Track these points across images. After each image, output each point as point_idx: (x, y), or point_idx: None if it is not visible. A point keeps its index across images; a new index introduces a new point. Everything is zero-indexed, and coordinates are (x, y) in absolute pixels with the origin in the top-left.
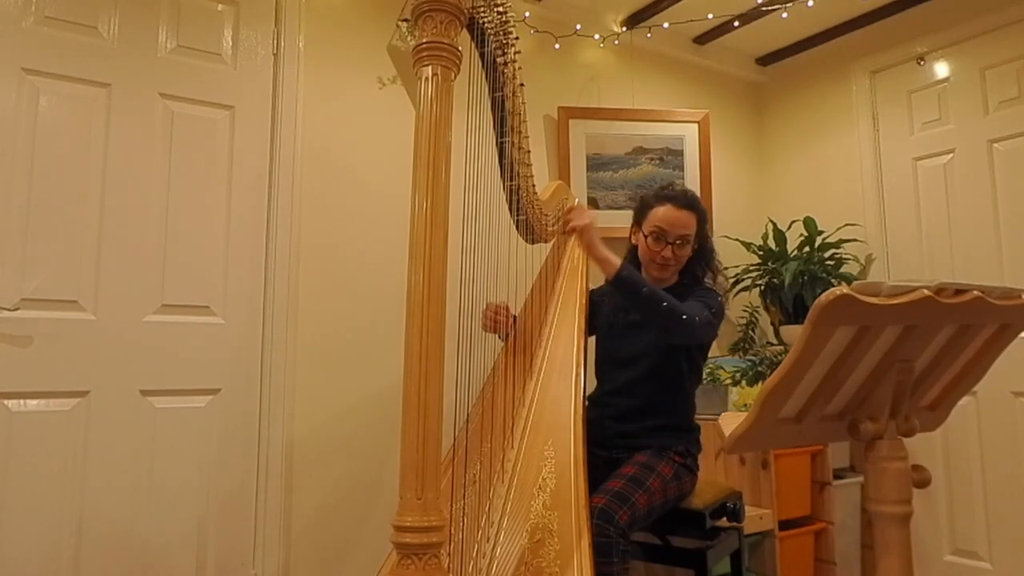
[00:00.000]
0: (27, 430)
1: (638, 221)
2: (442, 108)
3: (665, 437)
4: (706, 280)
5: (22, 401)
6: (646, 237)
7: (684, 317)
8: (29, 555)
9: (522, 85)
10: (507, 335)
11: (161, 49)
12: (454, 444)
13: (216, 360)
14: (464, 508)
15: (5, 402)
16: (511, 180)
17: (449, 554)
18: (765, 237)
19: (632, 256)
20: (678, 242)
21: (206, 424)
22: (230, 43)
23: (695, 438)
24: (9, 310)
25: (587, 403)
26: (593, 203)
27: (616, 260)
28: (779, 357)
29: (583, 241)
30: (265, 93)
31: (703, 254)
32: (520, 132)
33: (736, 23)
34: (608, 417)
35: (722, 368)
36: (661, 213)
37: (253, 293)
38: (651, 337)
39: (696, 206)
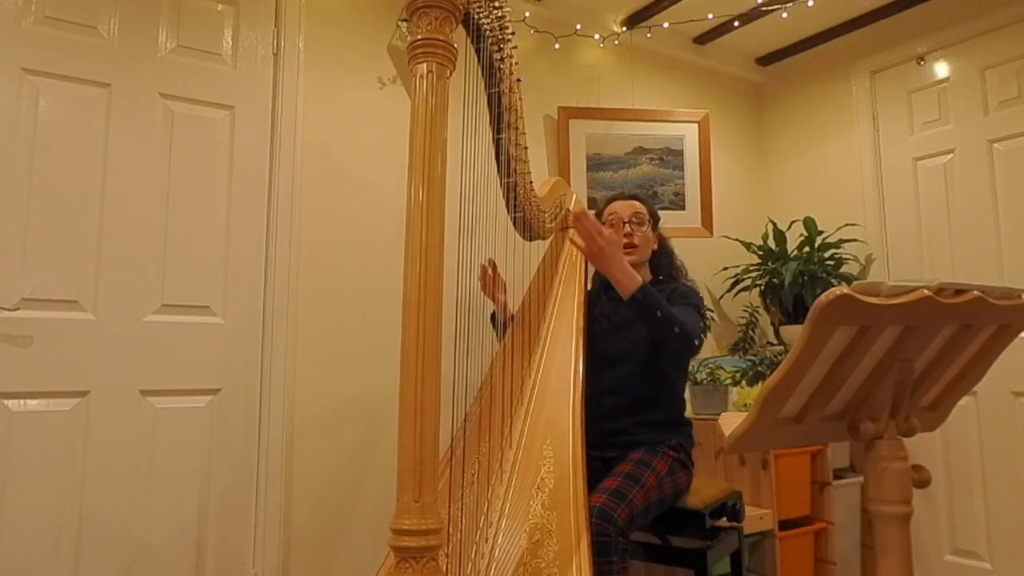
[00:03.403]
0: (27, 430)
1: None
2: (437, 104)
3: (657, 432)
4: (684, 281)
5: (22, 401)
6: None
7: (697, 342)
8: (29, 554)
9: (519, 80)
10: (504, 331)
11: (161, 49)
12: (452, 444)
13: (216, 360)
14: (462, 508)
15: (5, 402)
16: (508, 176)
17: (447, 555)
18: (765, 237)
19: None
20: (634, 220)
21: (206, 424)
22: (230, 43)
23: (687, 432)
24: (9, 310)
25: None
26: (593, 203)
27: (637, 277)
28: (779, 357)
29: (605, 262)
30: (265, 93)
31: (665, 252)
32: (517, 128)
33: (736, 23)
34: (598, 417)
35: (722, 368)
36: (612, 206)
37: (253, 293)
38: (636, 336)
39: (641, 196)
